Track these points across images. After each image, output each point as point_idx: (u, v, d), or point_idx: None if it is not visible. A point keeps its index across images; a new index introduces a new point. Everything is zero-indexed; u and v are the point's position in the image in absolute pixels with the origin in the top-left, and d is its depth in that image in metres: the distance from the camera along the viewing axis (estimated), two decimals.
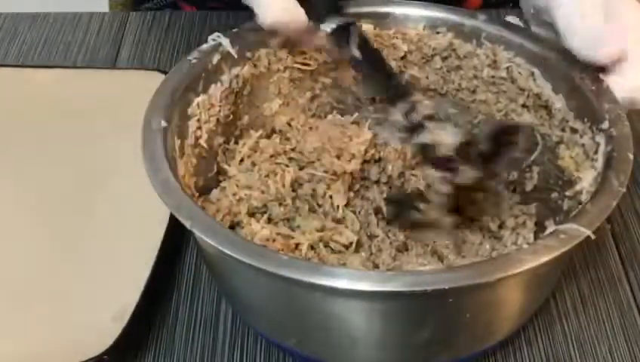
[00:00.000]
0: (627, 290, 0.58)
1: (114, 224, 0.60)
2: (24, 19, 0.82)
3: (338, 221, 0.56)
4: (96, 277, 0.56)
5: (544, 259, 0.43)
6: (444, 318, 0.46)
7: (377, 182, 0.60)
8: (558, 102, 0.54)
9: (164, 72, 0.68)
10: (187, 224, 0.45)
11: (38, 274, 0.57)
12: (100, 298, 0.55)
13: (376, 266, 0.55)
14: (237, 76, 0.57)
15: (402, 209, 0.56)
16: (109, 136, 0.66)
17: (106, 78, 0.72)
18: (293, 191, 0.56)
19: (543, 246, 0.43)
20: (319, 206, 0.56)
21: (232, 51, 0.56)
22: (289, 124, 0.61)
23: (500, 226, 0.56)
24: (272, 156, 0.57)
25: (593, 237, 0.44)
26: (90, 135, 0.66)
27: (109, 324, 0.52)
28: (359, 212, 0.59)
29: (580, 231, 0.44)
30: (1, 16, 0.82)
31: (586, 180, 0.50)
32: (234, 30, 0.57)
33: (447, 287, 0.41)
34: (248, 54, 0.57)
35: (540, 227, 0.55)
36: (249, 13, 0.82)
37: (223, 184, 0.56)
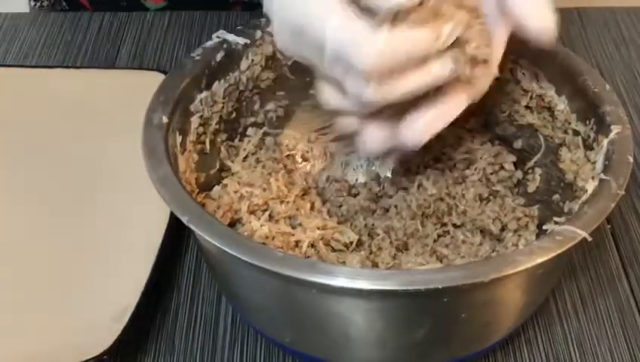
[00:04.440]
0: (627, 290, 0.58)
1: (114, 224, 0.60)
2: (24, 19, 0.82)
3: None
4: (96, 277, 0.56)
5: (539, 260, 0.43)
6: (441, 318, 0.46)
7: None
8: (561, 104, 0.54)
9: (164, 72, 0.68)
10: (184, 219, 0.45)
11: (38, 274, 0.57)
12: (100, 298, 0.55)
13: (375, 265, 0.55)
14: (241, 73, 0.57)
15: None
16: (109, 136, 0.66)
17: (106, 78, 0.72)
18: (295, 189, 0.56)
19: (538, 247, 0.43)
20: None
21: (239, 46, 0.56)
22: None
23: (502, 228, 0.56)
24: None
25: (590, 239, 0.44)
26: (91, 135, 0.66)
27: (109, 324, 0.52)
28: None
29: (577, 233, 0.44)
30: (1, 16, 0.82)
31: (586, 182, 0.50)
32: (238, 28, 0.57)
33: (441, 287, 0.41)
34: (252, 51, 0.57)
35: (542, 229, 0.55)
36: (249, 14, 0.82)
37: (225, 181, 0.56)
